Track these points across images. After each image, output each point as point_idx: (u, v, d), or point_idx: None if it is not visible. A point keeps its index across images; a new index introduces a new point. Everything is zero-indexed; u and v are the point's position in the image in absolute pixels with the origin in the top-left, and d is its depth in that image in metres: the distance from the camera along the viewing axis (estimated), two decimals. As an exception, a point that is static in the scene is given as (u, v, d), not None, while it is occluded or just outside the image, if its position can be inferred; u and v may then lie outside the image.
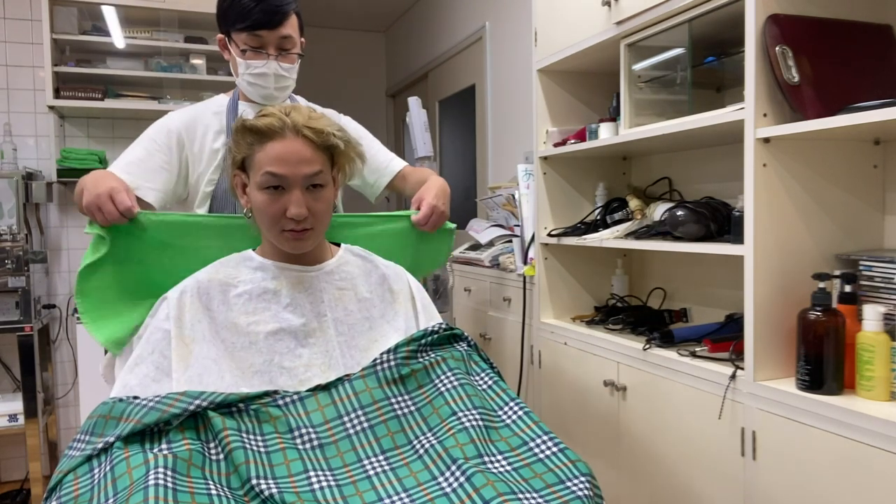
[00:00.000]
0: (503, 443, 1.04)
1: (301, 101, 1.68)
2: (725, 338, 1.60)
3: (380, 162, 1.74)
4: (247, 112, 1.55)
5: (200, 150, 1.55)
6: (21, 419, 2.70)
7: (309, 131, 1.17)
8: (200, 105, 1.63)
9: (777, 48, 1.34)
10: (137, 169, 1.47)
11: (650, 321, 1.92)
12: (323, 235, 1.27)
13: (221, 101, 1.63)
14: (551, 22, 2.13)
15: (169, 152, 1.52)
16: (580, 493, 0.96)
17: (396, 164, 1.76)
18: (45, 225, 3.06)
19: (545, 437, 1.04)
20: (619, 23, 1.79)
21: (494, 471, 0.98)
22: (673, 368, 1.62)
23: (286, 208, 1.16)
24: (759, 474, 1.39)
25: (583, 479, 0.98)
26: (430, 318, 1.33)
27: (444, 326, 1.26)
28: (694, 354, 1.60)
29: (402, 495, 0.96)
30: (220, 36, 1.57)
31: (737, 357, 1.48)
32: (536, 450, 1.03)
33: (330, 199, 1.23)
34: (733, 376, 1.45)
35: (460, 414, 1.07)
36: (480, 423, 1.06)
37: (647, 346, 1.71)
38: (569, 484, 0.97)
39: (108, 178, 1.30)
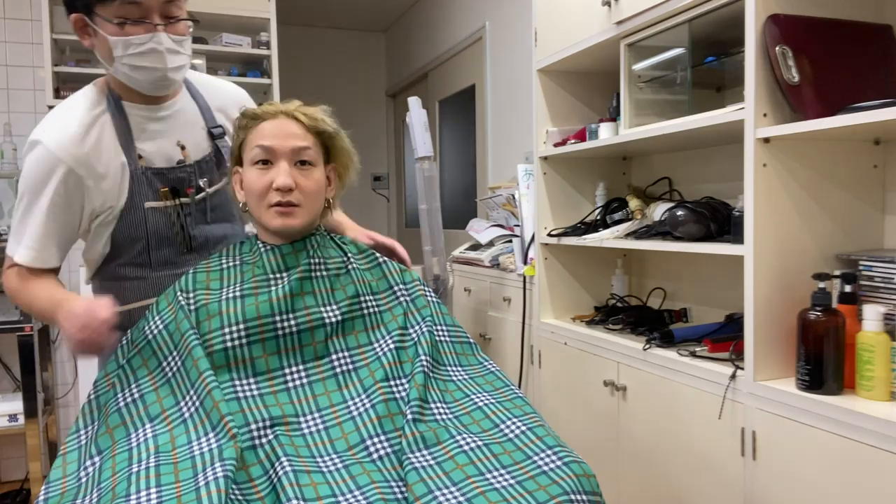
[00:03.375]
0: (507, 456, 1.04)
1: (190, 73, 1.39)
2: (725, 338, 1.60)
3: None
4: (136, 114, 1.28)
5: (105, 175, 1.25)
6: (21, 419, 2.70)
7: (300, 114, 1.23)
8: (70, 122, 1.24)
9: (777, 48, 1.34)
10: (39, 241, 1.24)
11: (650, 321, 1.92)
12: (314, 220, 1.26)
13: (91, 106, 1.27)
14: (551, 22, 2.13)
15: (68, 199, 1.24)
16: None
17: None
18: (45, 225, 3.06)
19: (549, 452, 1.03)
20: (619, 23, 1.79)
21: (497, 485, 0.97)
22: (673, 368, 1.62)
23: (273, 181, 1.18)
24: (759, 474, 1.39)
25: (586, 496, 0.97)
26: None
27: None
28: (694, 354, 1.60)
29: None
30: (75, 16, 1.24)
31: (737, 357, 1.48)
32: (539, 462, 1.02)
33: (320, 181, 1.24)
34: (733, 376, 1.44)
35: (458, 438, 1.06)
36: (480, 443, 1.05)
37: (647, 346, 1.71)
38: (573, 497, 0.96)
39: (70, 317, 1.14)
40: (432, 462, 1.00)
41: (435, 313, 1.27)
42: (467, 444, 1.04)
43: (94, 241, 1.31)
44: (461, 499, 0.94)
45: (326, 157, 1.28)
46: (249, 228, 1.46)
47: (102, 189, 1.25)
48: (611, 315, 2.04)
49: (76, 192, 1.23)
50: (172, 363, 1.11)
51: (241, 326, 1.12)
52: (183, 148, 1.33)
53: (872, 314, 1.25)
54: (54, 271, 1.30)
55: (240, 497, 0.95)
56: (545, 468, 1.00)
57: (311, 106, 1.27)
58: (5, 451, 3.06)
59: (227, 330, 1.11)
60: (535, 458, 1.02)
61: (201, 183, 1.34)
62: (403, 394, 1.12)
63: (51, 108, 2.85)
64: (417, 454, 1.01)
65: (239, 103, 1.42)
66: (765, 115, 1.38)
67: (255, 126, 1.22)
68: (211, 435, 1.00)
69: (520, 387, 2.40)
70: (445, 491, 0.95)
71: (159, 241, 1.30)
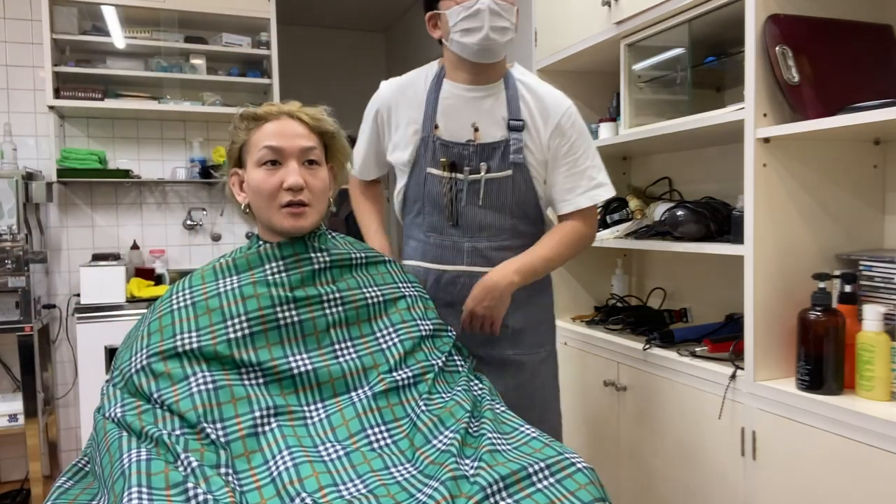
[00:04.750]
0: (503, 467, 1.03)
1: (521, 72, 1.50)
2: (725, 338, 1.60)
3: (568, 187, 1.47)
4: (449, 90, 1.47)
5: (398, 125, 1.51)
6: (21, 419, 2.70)
7: (303, 115, 1.23)
8: (402, 78, 1.55)
9: (777, 48, 1.34)
10: (360, 157, 1.61)
11: (650, 321, 1.92)
12: (321, 219, 1.26)
13: (424, 74, 1.54)
14: (551, 22, 2.13)
15: (377, 130, 1.55)
16: None
17: (568, 206, 1.47)
18: (45, 225, 3.06)
19: (542, 464, 1.01)
20: (619, 23, 1.79)
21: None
22: (673, 368, 1.62)
23: (283, 181, 1.18)
24: (759, 474, 1.39)
25: None
26: None
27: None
28: (694, 354, 1.60)
29: None
30: (429, 13, 1.50)
31: (737, 357, 1.48)
32: (535, 479, 1.01)
33: (326, 180, 1.25)
34: (733, 376, 1.45)
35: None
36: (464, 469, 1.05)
37: (647, 346, 1.71)
38: None
39: None
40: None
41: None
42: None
43: (394, 189, 1.57)
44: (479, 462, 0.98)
45: (326, 155, 1.28)
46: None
47: (396, 133, 1.51)
48: (611, 315, 2.04)
49: (382, 126, 1.54)
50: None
51: (243, 318, 1.12)
52: (476, 130, 1.45)
53: (872, 314, 1.25)
54: (376, 182, 1.69)
55: (235, 484, 0.95)
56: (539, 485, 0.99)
57: (310, 107, 1.27)
58: (5, 451, 3.06)
59: (229, 323, 1.12)
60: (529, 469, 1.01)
61: (480, 165, 1.44)
62: (404, 383, 1.13)
63: (51, 108, 2.88)
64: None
65: (557, 109, 1.44)
66: (765, 115, 1.38)
67: (257, 127, 1.21)
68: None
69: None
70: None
71: (433, 205, 1.48)
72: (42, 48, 2.79)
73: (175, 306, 1.16)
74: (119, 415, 1.03)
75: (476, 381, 1.24)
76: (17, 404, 2.71)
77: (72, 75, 2.92)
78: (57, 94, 2.85)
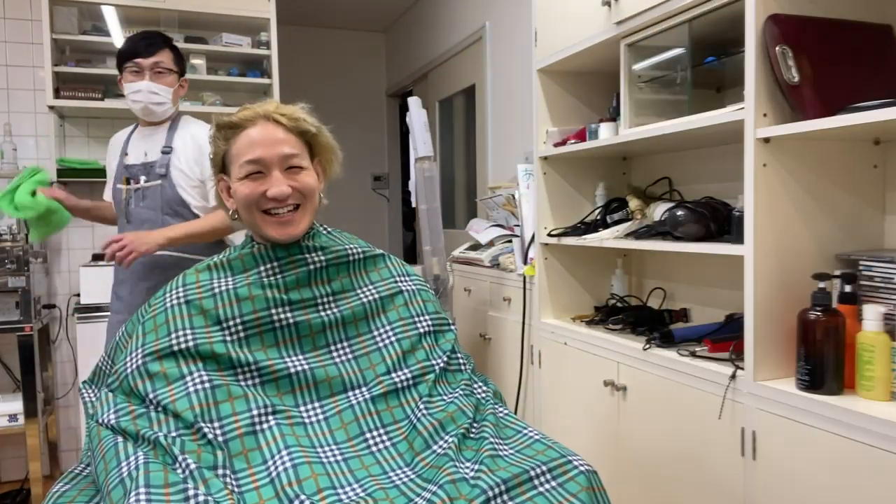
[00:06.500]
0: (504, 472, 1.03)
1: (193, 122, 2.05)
2: (725, 338, 1.60)
3: None
4: (135, 135, 2.08)
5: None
6: (21, 419, 2.70)
7: (280, 116, 1.19)
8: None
9: (777, 48, 1.34)
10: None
11: (650, 321, 1.92)
12: (311, 220, 1.24)
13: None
14: (551, 22, 2.13)
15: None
16: None
17: None
18: (45, 225, 3.06)
19: (543, 468, 1.02)
20: (619, 23, 1.79)
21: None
22: (673, 368, 1.62)
23: (267, 189, 1.16)
24: (759, 474, 1.39)
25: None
26: None
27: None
28: (694, 354, 1.60)
29: None
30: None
31: (737, 357, 1.48)
32: (536, 482, 1.01)
33: (313, 181, 1.22)
34: (733, 376, 1.44)
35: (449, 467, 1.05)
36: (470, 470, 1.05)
37: (647, 346, 1.71)
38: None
39: None
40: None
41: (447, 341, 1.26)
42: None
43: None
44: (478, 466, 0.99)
45: (310, 152, 1.25)
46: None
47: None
48: (611, 315, 2.04)
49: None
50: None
51: (238, 320, 1.12)
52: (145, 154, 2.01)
53: (872, 314, 1.25)
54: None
55: (233, 485, 0.94)
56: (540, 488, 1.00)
57: (289, 105, 1.24)
58: (5, 451, 3.06)
59: (224, 325, 1.11)
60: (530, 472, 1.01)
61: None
62: (403, 385, 1.13)
63: (51, 108, 2.88)
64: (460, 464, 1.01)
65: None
66: (765, 115, 1.38)
67: (235, 136, 1.19)
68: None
69: (520, 387, 2.40)
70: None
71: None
72: (42, 48, 2.79)
73: (168, 304, 1.15)
74: (113, 420, 1.02)
75: (479, 384, 1.23)
76: (17, 404, 2.71)
77: (72, 75, 2.91)
78: (57, 94, 2.85)
